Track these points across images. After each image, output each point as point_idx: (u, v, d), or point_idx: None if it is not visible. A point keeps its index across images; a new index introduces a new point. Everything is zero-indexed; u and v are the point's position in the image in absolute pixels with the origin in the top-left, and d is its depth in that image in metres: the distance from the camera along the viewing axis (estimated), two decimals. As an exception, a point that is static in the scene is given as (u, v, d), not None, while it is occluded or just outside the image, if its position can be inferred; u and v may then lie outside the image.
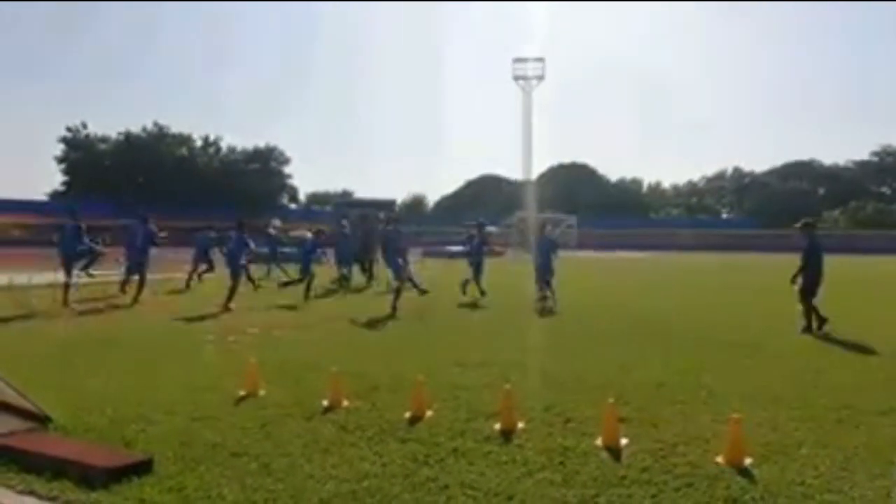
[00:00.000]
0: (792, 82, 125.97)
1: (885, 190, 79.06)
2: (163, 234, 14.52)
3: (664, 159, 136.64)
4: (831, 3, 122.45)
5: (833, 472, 4.07)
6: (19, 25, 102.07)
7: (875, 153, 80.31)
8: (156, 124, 70.90)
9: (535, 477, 3.98)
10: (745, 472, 4.02)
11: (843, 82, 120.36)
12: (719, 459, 4.18)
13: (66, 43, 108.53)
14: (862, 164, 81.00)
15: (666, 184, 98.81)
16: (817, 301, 9.91)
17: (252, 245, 14.48)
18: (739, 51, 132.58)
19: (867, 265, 31.47)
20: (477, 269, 14.32)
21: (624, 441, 4.50)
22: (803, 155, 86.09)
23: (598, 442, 4.50)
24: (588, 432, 4.73)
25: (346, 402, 5.44)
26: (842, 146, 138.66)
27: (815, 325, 9.78)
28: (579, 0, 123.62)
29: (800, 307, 9.97)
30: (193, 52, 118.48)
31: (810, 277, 10.03)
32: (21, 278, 16.86)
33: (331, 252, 18.39)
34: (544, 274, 12.96)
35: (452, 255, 24.59)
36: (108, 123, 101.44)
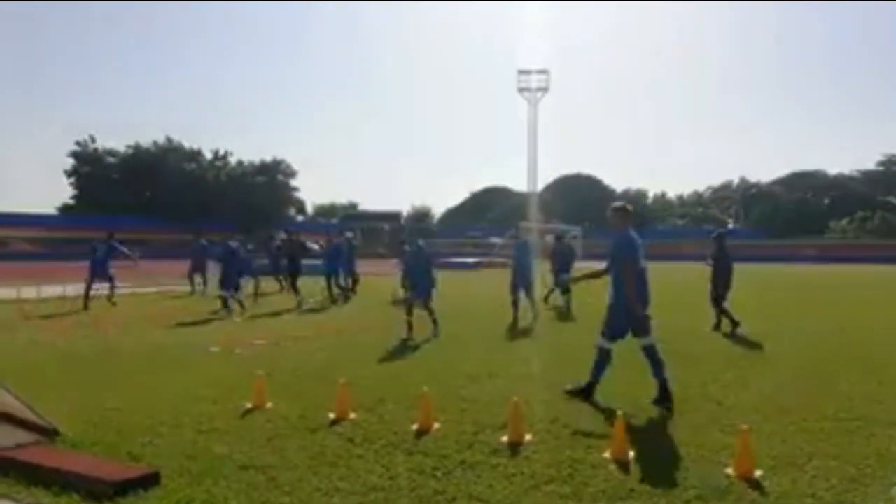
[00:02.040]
0: (796, 90, 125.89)
1: (893, 199, 78.63)
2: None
3: (670, 170, 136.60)
4: (834, 8, 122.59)
5: (844, 483, 4.03)
6: (30, 35, 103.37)
7: (881, 163, 79.99)
8: (167, 138, 71.45)
9: (543, 490, 3.96)
10: (755, 484, 3.98)
11: (849, 91, 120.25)
12: (729, 471, 4.15)
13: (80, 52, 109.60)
14: (868, 174, 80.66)
15: (671, 194, 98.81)
16: (727, 304, 10.94)
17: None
18: (743, 59, 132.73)
19: (876, 275, 31.27)
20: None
21: (632, 453, 4.47)
22: (809, 165, 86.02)
23: (607, 454, 4.47)
24: (596, 445, 4.70)
25: (352, 415, 5.43)
26: (847, 156, 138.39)
27: (731, 327, 10.64)
28: (586, 1, 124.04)
29: (712, 309, 11.05)
30: (199, 64, 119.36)
31: (720, 282, 11.04)
32: (30, 291, 16.94)
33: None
34: (523, 279, 12.37)
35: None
36: (117, 137, 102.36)
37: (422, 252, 11.17)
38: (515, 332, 10.99)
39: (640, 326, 5.98)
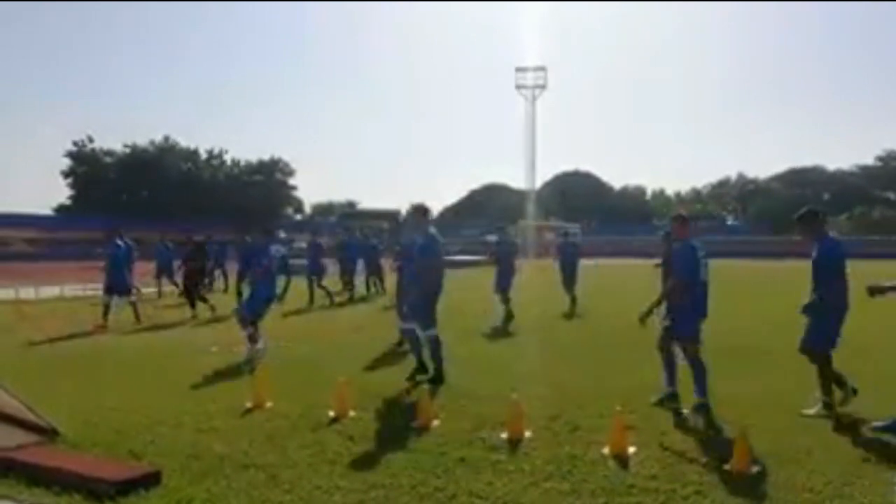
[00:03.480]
0: (794, 87, 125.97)
1: (891, 195, 78.71)
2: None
3: (668, 166, 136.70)
4: (833, 5, 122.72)
5: (843, 478, 4.04)
6: (27, 35, 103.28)
7: (880, 158, 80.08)
8: (165, 138, 71.46)
9: (542, 486, 3.97)
10: (753, 480, 4.00)
11: (847, 86, 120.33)
12: (727, 467, 4.16)
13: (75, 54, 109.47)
14: (866, 169, 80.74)
15: (669, 191, 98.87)
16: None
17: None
18: (742, 55, 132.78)
19: (875, 270, 31.28)
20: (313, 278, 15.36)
21: (631, 449, 4.48)
22: (807, 161, 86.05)
23: (606, 450, 4.48)
24: (595, 441, 4.71)
25: (352, 413, 5.45)
26: (846, 151, 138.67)
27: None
28: (583, 1, 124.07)
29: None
30: (197, 63, 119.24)
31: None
32: (28, 291, 16.94)
33: None
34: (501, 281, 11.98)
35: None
36: (114, 137, 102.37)
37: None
38: (513, 329, 10.99)
39: (425, 317, 6.73)
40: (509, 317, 11.54)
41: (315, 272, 16.01)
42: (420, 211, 7.14)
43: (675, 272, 5.79)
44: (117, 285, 11.51)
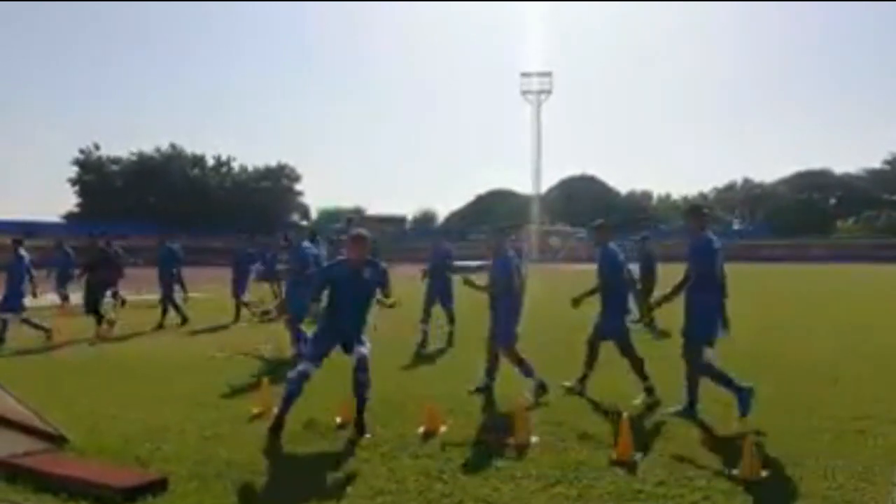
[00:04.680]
0: (800, 90, 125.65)
1: (899, 199, 78.17)
2: None
3: (675, 171, 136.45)
4: (839, 7, 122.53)
5: (852, 482, 4.02)
6: (33, 40, 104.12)
7: (887, 161, 79.59)
8: (171, 145, 71.86)
9: (549, 492, 3.96)
10: (762, 484, 3.98)
11: (854, 89, 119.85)
12: (736, 472, 4.14)
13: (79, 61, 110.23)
14: (874, 173, 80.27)
15: (676, 195, 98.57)
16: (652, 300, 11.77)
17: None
18: (747, 58, 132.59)
19: (883, 274, 31.14)
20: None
21: (639, 455, 4.47)
22: (814, 164, 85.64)
23: (613, 456, 4.47)
24: (602, 446, 4.70)
25: (358, 419, 5.43)
26: (853, 155, 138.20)
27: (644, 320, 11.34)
28: (589, 2, 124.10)
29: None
30: (203, 69, 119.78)
31: (643, 283, 11.88)
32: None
33: None
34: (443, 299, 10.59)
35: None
36: (117, 142, 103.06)
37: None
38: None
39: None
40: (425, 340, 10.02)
41: None
42: (301, 230, 7.10)
43: (495, 280, 6.43)
44: (8, 300, 10.30)
